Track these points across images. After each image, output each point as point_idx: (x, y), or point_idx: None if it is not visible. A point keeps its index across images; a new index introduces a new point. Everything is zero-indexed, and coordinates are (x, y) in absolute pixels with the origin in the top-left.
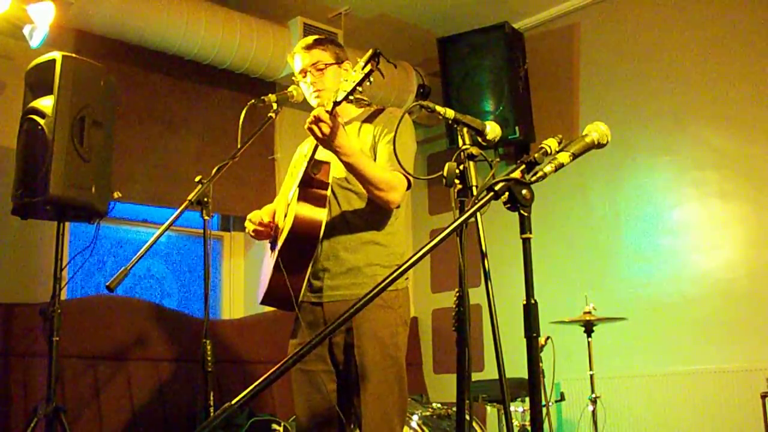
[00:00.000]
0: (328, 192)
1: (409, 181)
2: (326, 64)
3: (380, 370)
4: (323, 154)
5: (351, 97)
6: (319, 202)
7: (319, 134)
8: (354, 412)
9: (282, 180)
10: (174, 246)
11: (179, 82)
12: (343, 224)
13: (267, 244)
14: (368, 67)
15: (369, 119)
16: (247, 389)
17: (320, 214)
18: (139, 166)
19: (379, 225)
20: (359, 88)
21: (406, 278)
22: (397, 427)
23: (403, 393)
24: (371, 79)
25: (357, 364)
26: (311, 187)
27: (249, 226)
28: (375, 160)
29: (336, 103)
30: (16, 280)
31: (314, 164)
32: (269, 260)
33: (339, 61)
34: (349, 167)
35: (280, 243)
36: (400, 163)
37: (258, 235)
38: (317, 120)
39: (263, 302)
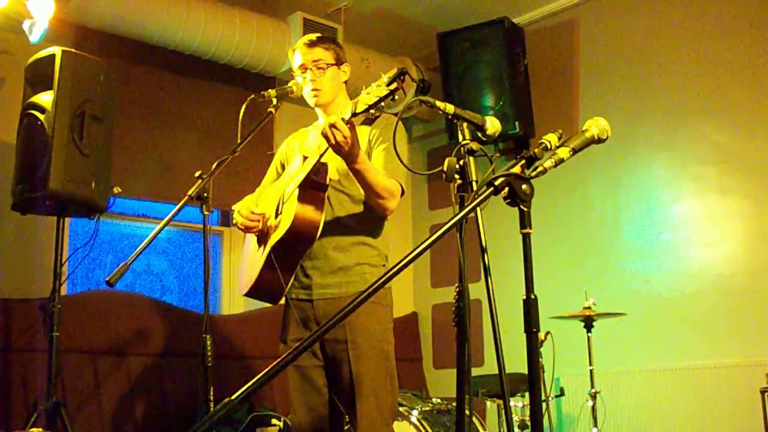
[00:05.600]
0: (325, 195)
1: (402, 189)
2: (327, 64)
3: (373, 364)
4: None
5: (372, 111)
6: (319, 204)
7: (333, 141)
8: (348, 406)
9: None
10: (174, 241)
11: (179, 77)
12: (334, 225)
13: (248, 238)
14: (394, 85)
15: (366, 122)
16: (247, 384)
17: (319, 216)
18: (138, 161)
19: (370, 227)
20: (382, 104)
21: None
22: (389, 418)
23: (395, 386)
24: (396, 96)
25: (350, 359)
26: (312, 188)
27: (239, 219)
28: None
29: (354, 114)
30: (16, 276)
31: (316, 168)
32: (254, 253)
33: (339, 63)
34: (357, 174)
35: (274, 240)
36: (407, 167)
37: (247, 229)
38: (333, 126)
39: (248, 294)
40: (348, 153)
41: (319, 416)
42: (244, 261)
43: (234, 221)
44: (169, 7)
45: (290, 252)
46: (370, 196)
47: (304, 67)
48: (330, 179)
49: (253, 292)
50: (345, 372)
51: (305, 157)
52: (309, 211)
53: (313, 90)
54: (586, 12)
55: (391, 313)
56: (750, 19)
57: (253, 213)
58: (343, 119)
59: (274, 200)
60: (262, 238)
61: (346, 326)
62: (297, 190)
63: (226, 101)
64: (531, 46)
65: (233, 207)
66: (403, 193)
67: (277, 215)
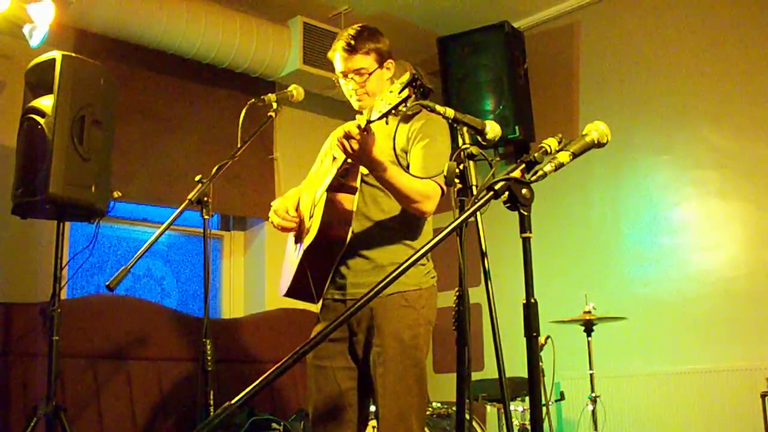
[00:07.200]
0: (356, 196)
1: (442, 188)
2: (369, 73)
3: (399, 369)
4: None
5: (388, 119)
6: (346, 209)
7: (349, 150)
8: (372, 409)
9: (281, 180)
10: (174, 245)
11: (179, 82)
12: (368, 222)
13: (290, 237)
14: (406, 92)
15: (405, 119)
16: (248, 388)
17: (347, 224)
18: (139, 165)
19: (406, 224)
20: (394, 111)
21: (433, 276)
22: (414, 426)
23: (423, 394)
24: (408, 103)
25: (376, 363)
26: (340, 191)
27: (274, 218)
28: (408, 161)
29: (369, 122)
30: (16, 280)
31: (344, 169)
32: (293, 253)
33: (382, 63)
34: (381, 181)
35: (305, 244)
36: (401, 165)
37: (283, 229)
38: (348, 136)
39: (286, 295)
40: (366, 162)
41: (335, 415)
42: (285, 261)
43: (270, 220)
44: (169, 11)
45: (322, 256)
46: (401, 200)
47: (344, 74)
48: (362, 174)
49: (291, 293)
50: (371, 375)
51: (335, 157)
52: (336, 218)
53: (357, 96)
54: (586, 16)
55: (426, 317)
56: (750, 24)
57: (288, 213)
58: (358, 126)
59: (311, 197)
60: (299, 237)
61: (374, 329)
62: (325, 194)
63: (226, 105)
64: (531, 51)
65: (271, 204)
66: (443, 193)
67: (310, 216)
